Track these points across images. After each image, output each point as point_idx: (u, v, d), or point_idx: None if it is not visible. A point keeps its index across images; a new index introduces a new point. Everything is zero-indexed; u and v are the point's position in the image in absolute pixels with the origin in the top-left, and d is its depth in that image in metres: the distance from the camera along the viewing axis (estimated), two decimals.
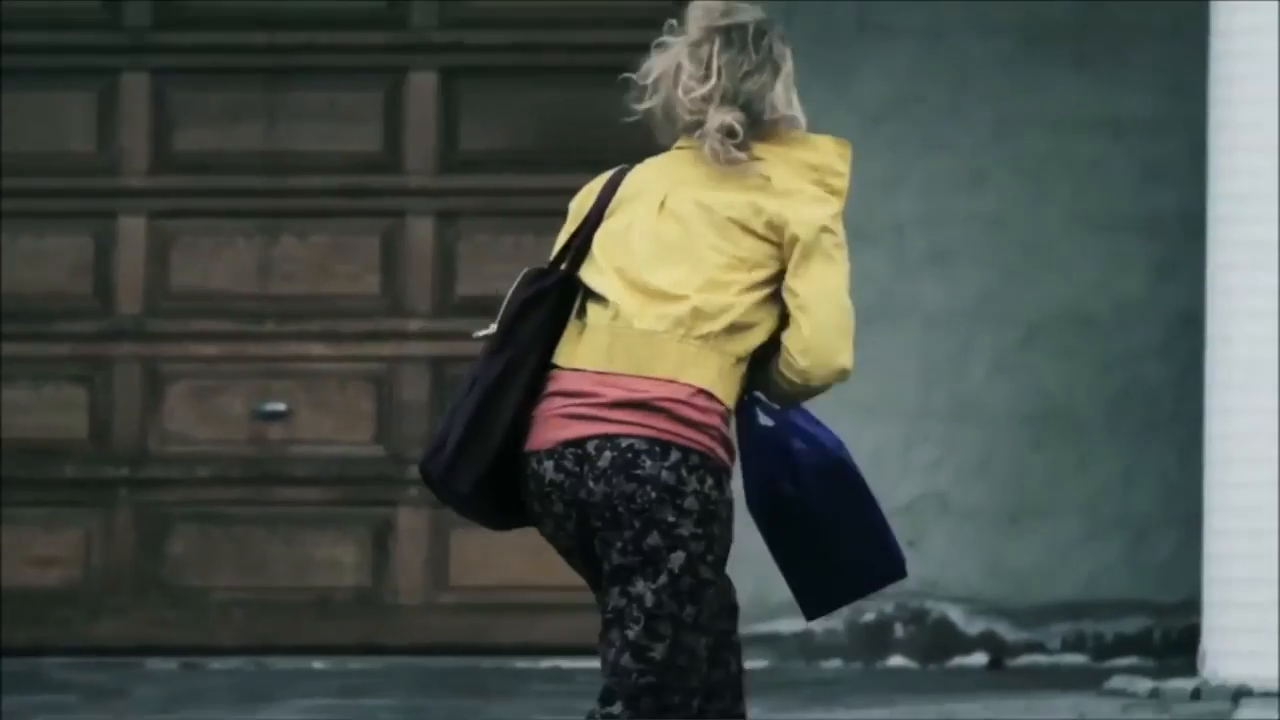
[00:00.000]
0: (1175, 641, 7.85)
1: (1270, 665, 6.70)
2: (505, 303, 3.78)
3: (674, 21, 3.83)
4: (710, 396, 3.65)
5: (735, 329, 3.70)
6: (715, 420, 3.66)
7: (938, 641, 8.21)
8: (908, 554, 3.90)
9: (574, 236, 3.86)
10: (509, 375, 3.72)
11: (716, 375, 3.67)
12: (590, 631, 3.74)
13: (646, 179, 3.86)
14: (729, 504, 3.64)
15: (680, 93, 3.76)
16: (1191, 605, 7.31)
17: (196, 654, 8.26)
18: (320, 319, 8.35)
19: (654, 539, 3.56)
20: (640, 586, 3.57)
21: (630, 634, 3.57)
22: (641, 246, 3.76)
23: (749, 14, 3.87)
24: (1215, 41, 7.08)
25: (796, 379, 3.71)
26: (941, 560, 8.02)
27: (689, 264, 3.72)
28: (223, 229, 8.44)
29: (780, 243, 3.71)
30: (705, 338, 3.68)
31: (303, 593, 8.28)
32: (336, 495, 8.36)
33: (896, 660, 8.21)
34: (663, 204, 3.77)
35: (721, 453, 3.66)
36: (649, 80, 3.79)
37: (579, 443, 3.64)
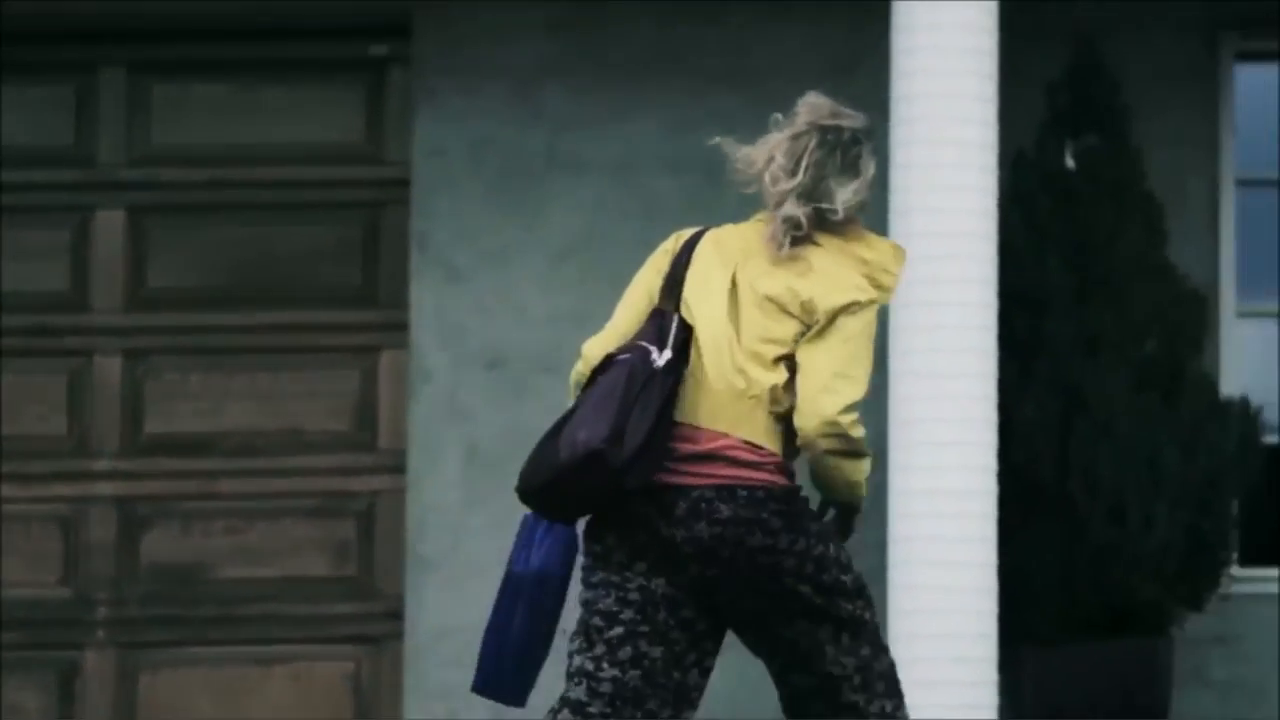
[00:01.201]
0: None
1: None
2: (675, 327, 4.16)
3: (779, 116, 4.20)
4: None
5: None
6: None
7: None
8: None
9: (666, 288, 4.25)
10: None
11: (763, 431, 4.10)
12: None
13: (725, 244, 4.23)
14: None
15: (769, 181, 4.14)
16: None
17: None
18: (7, 460, 8.17)
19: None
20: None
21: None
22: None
23: (851, 120, 4.23)
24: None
25: (802, 443, 4.09)
26: None
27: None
28: None
29: (810, 324, 4.10)
30: (756, 399, 4.10)
31: None
32: (22, 638, 8.14)
33: None
34: (733, 278, 4.16)
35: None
36: (751, 165, 4.14)
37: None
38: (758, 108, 4.28)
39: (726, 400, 4.11)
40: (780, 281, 4.13)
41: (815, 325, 4.12)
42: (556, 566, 4.21)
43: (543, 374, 7.47)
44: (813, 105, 4.22)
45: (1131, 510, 7.66)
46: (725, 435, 4.10)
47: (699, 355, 4.13)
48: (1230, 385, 8.25)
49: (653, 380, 4.07)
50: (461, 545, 7.52)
